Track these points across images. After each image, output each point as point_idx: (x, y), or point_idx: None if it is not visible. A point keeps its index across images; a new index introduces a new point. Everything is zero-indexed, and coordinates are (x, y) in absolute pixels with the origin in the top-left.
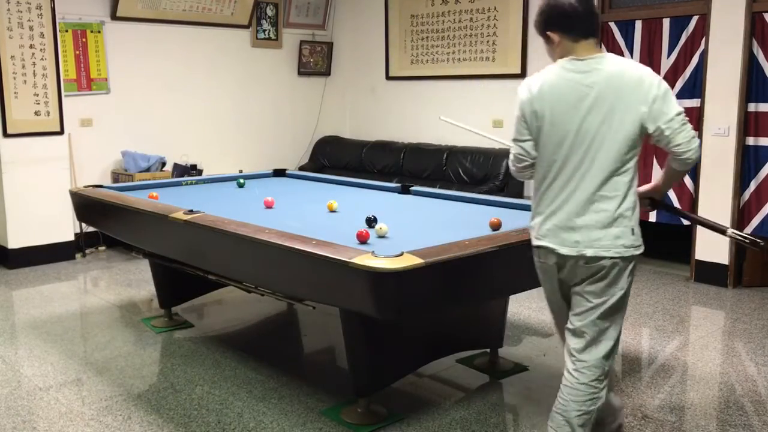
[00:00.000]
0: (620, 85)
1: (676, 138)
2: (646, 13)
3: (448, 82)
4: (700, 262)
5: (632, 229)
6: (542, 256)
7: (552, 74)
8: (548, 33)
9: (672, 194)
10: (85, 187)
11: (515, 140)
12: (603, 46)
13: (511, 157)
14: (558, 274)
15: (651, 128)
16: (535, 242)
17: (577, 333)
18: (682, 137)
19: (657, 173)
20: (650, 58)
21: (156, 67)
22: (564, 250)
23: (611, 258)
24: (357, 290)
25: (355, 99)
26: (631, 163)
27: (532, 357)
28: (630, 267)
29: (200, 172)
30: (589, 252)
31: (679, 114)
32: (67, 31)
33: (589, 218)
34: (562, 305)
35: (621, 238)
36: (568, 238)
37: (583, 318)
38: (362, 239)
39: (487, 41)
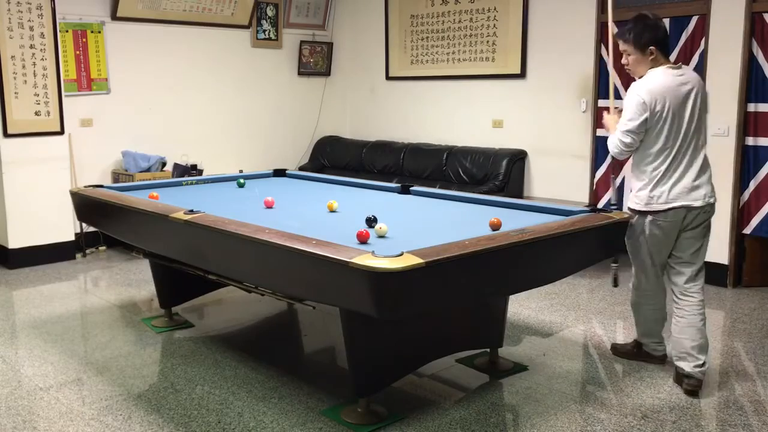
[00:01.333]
0: (699, 85)
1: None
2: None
3: (448, 83)
4: None
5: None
6: (671, 216)
7: (662, 80)
8: (651, 48)
9: None
10: (85, 187)
11: (632, 132)
12: (603, 47)
13: (624, 144)
14: (681, 225)
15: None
16: (664, 206)
17: (689, 264)
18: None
19: None
20: None
21: (156, 67)
22: (697, 203)
23: (714, 201)
24: (357, 290)
25: (355, 99)
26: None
27: (532, 357)
28: None
29: (200, 172)
30: (711, 200)
31: None
32: (67, 31)
33: (705, 178)
34: (666, 255)
35: (713, 188)
36: (697, 194)
37: (696, 252)
38: (362, 239)
39: (487, 41)
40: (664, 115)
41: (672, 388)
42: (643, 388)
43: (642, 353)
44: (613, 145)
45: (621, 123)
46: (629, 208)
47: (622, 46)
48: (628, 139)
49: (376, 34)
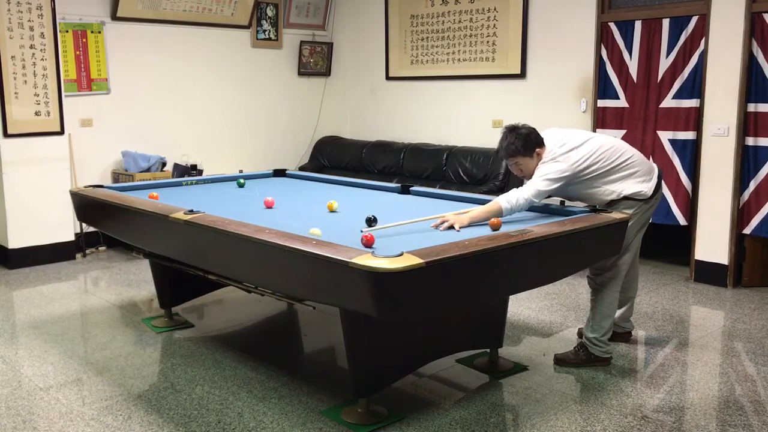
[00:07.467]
0: None
1: None
2: (645, 13)
3: (447, 83)
4: (699, 262)
5: None
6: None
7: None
8: (538, 150)
9: (668, 193)
10: (85, 187)
11: None
12: (603, 47)
13: None
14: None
15: None
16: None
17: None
18: None
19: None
20: (649, 59)
21: (156, 67)
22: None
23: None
24: (357, 290)
25: (355, 99)
26: None
27: (532, 357)
28: None
29: (200, 172)
30: None
31: None
32: (67, 31)
33: None
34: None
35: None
36: None
37: None
38: (368, 244)
39: (487, 41)
40: None
41: (672, 388)
42: (643, 389)
43: (589, 355)
44: None
45: None
46: None
47: (512, 160)
48: None
49: (376, 34)
